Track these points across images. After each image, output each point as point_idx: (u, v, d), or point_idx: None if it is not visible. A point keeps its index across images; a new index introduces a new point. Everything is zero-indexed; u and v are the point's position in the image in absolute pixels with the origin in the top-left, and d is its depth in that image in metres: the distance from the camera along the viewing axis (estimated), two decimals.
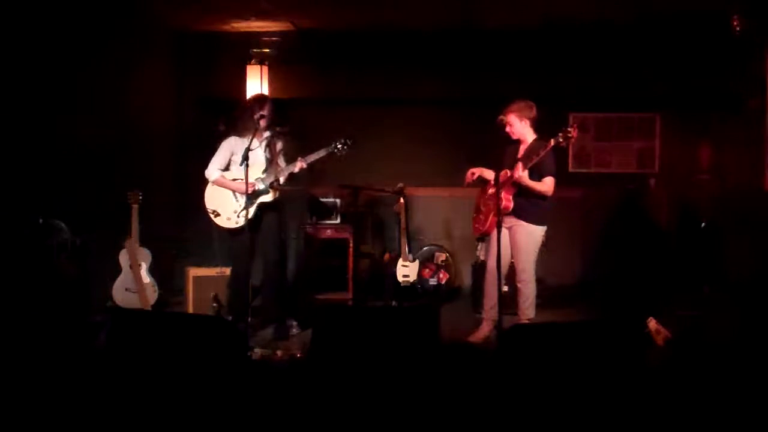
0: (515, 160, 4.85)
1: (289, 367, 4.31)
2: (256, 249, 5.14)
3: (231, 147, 5.11)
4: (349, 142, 4.99)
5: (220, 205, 5.15)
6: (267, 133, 5.13)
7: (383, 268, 6.85)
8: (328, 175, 6.40)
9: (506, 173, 4.89)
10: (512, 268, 5.21)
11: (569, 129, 4.72)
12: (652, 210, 6.74)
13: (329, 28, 6.90)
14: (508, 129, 4.96)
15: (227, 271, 5.67)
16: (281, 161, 5.15)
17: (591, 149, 7.18)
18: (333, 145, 4.98)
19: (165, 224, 6.68)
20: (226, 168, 5.15)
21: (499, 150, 5.07)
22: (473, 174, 5.18)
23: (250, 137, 4.84)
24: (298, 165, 4.99)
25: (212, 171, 5.15)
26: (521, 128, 5.02)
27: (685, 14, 6.02)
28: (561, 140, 4.72)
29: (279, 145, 5.18)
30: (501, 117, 4.87)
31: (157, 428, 2.96)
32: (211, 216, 5.16)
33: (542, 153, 4.78)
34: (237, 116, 5.18)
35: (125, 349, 3.19)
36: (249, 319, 5.02)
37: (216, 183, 5.16)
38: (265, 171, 5.06)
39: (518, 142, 5.03)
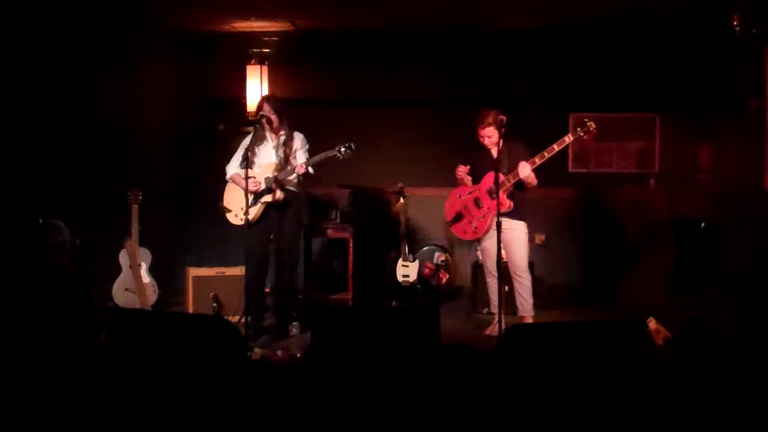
0: (496, 163, 4.86)
1: (289, 367, 4.31)
2: (265, 250, 5.17)
3: (247, 145, 5.14)
4: (352, 146, 4.93)
5: (232, 202, 5.21)
6: (282, 133, 5.15)
7: (383, 268, 6.85)
8: (328, 175, 6.40)
9: (500, 176, 4.91)
10: (505, 266, 5.23)
11: (588, 123, 4.82)
12: (652, 210, 6.74)
13: (329, 28, 6.90)
14: (502, 131, 4.98)
15: (227, 271, 5.69)
16: (301, 159, 5.12)
17: (591, 149, 7.18)
18: (336, 149, 4.94)
19: (165, 224, 6.68)
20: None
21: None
22: (463, 171, 5.23)
23: (252, 137, 4.91)
24: (298, 167, 4.99)
25: (230, 168, 5.23)
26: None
27: (685, 14, 6.02)
28: (582, 134, 4.85)
29: (295, 146, 5.16)
30: (502, 117, 4.92)
31: (157, 428, 2.96)
32: (225, 212, 5.21)
33: (557, 148, 4.86)
34: (247, 117, 5.25)
35: (125, 349, 3.20)
36: (261, 319, 5.10)
37: (231, 180, 5.22)
38: (277, 170, 5.08)
39: (484, 147, 5.07)
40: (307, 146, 5.22)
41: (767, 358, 4.03)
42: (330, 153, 4.96)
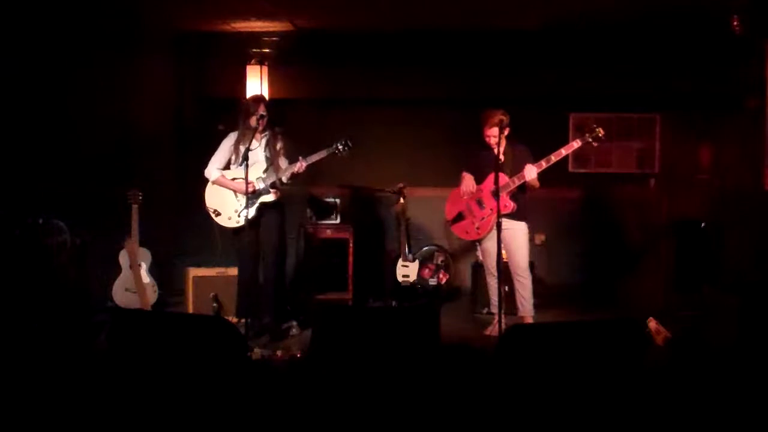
0: (497, 164, 4.82)
1: (289, 367, 4.31)
2: (258, 249, 5.15)
3: (230, 146, 5.12)
4: (349, 143, 5.00)
5: (221, 205, 5.16)
6: (266, 133, 5.14)
7: (383, 268, 6.86)
8: (328, 175, 6.40)
9: (504, 178, 4.92)
10: (505, 266, 5.23)
11: (597, 128, 4.84)
12: (652, 210, 6.74)
13: (329, 28, 6.89)
14: (504, 133, 4.99)
15: (227, 271, 5.68)
16: (282, 161, 5.15)
17: (591, 149, 7.17)
18: (334, 146, 4.99)
19: (165, 224, 6.68)
20: (226, 167, 5.16)
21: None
22: (470, 180, 5.24)
23: (250, 137, 4.88)
24: (298, 165, 4.99)
25: (212, 170, 5.17)
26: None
27: (685, 14, 6.02)
28: (590, 139, 4.87)
29: (279, 145, 5.17)
30: (503, 118, 4.93)
31: (157, 428, 2.96)
32: (212, 215, 5.17)
33: (564, 153, 4.89)
34: (236, 116, 5.19)
35: (125, 349, 3.19)
36: (259, 319, 5.08)
37: (216, 183, 5.17)
38: (265, 171, 5.07)
39: (490, 148, 5.05)
40: (282, 144, 5.20)
41: (767, 358, 4.04)
42: (328, 151, 4.99)
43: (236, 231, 5.16)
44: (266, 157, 5.10)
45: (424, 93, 7.13)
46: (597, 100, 7.00)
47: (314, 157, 5.01)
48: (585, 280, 6.97)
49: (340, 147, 4.98)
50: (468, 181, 5.23)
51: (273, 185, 5.06)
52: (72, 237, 5.32)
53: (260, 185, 5.03)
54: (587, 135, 4.92)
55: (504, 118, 4.96)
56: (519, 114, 5.19)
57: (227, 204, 5.14)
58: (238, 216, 5.08)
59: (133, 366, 3.11)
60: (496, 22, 6.52)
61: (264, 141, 5.13)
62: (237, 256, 5.32)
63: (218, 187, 5.17)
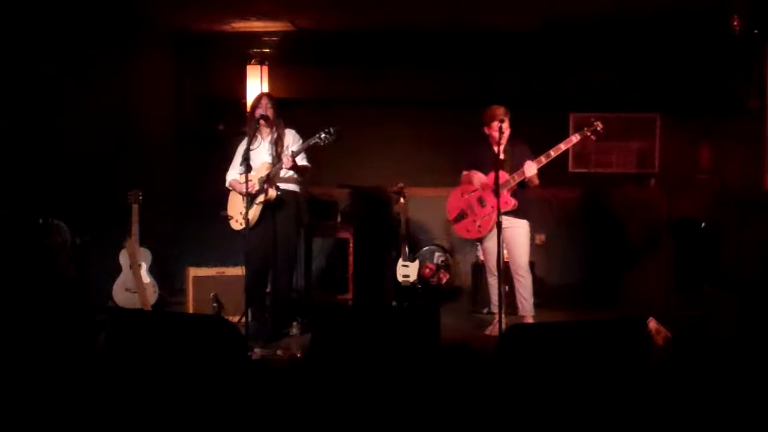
0: (497, 161, 4.79)
1: (289, 367, 4.31)
2: (263, 251, 5.12)
3: (244, 150, 5.11)
4: (331, 131, 4.85)
5: (233, 209, 5.17)
6: (272, 131, 5.12)
7: (383, 268, 6.85)
8: (328, 175, 6.40)
9: (504, 175, 4.91)
10: (506, 266, 5.23)
11: (595, 123, 4.84)
12: (652, 210, 6.74)
13: (329, 28, 6.90)
14: (506, 131, 4.99)
15: (227, 271, 5.68)
16: (299, 158, 5.08)
17: (591, 149, 7.18)
18: (316, 136, 4.88)
19: (165, 224, 6.68)
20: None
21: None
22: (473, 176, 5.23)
23: (252, 134, 4.89)
24: (286, 160, 4.94)
25: (229, 174, 5.21)
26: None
27: (684, 14, 6.02)
28: (589, 134, 4.87)
29: (286, 141, 5.10)
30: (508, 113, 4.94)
31: (157, 428, 2.96)
32: (229, 222, 5.17)
33: (563, 148, 4.88)
34: (245, 118, 5.20)
35: (125, 349, 3.20)
36: (262, 320, 5.10)
37: (230, 186, 5.20)
38: (269, 170, 5.04)
39: (488, 145, 5.04)
40: (300, 141, 5.15)
41: (767, 358, 4.04)
42: (311, 141, 4.89)
43: (242, 232, 5.14)
44: (272, 155, 5.06)
45: (423, 93, 7.13)
46: (597, 99, 6.99)
47: (297, 150, 4.96)
48: (585, 279, 6.97)
49: (323, 136, 4.85)
50: (477, 176, 5.21)
51: (271, 183, 5.02)
52: (72, 237, 5.31)
53: (258, 186, 5.01)
54: (585, 129, 4.93)
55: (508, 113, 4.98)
56: (519, 114, 5.19)
57: (236, 207, 5.14)
58: (243, 218, 5.07)
59: (133, 366, 3.11)
60: (496, 22, 6.53)
61: (270, 139, 5.11)
62: (244, 257, 5.31)
63: (233, 192, 5.19)
